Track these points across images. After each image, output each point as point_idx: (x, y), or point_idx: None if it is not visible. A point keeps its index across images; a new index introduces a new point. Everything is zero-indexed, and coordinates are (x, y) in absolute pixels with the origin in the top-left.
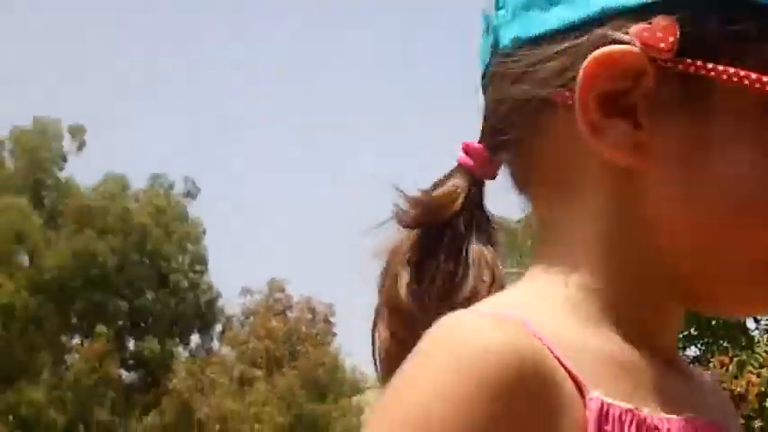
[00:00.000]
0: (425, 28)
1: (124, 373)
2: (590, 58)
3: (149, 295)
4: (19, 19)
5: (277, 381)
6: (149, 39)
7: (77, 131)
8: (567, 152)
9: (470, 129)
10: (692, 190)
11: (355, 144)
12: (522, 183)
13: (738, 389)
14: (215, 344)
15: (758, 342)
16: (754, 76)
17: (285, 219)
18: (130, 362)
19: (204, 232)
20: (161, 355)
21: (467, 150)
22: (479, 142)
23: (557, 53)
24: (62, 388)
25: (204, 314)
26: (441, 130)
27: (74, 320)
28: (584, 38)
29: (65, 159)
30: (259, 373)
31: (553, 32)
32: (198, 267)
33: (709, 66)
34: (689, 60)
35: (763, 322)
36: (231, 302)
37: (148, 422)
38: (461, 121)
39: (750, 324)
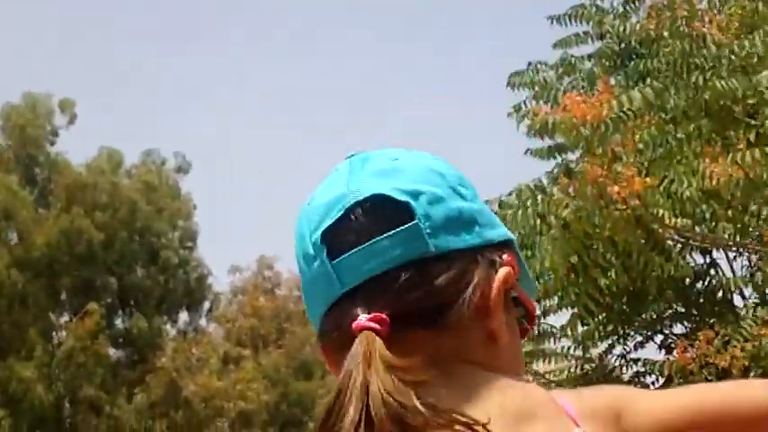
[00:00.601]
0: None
1: (112, 351)
2: (504, 272)
3: (139, 272)
4: None
5: (264, 359)
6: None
7: (67, 105)
8: (471, 331)
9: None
10: (510, 348)
11: (350, 124)
12: (435, 343)
13: (722, 363)
14: (203, 321)
15: (744, 317)
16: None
17: (276, 195)
18: (119, 339)
19: (195, 208)
20: (149, 332)
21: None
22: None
23: (473, 264)
24: (52, 365)
25: (193, 291)
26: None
27: (63, 297)
28: (481, 257)
29: (56, 134)
30: (246, 351)
31: (460, 250)
32: (188, 244)
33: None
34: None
35: (751, 299)
36: (220, 280)
37: (136, 400)
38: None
39: (737, 301)
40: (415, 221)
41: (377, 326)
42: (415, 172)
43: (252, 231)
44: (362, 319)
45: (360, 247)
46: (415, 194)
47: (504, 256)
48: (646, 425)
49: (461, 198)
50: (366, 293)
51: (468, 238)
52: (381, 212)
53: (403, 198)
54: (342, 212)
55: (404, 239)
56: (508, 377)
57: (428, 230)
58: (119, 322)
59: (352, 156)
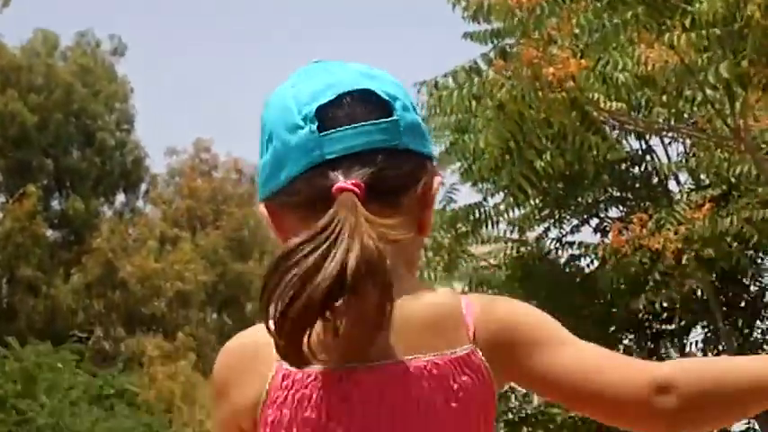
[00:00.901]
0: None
1: (49, 232)
2: (439, 180)
3: (75, 154)
4: None
5: (201, 240)
6: None
7: None
8: (412, 216)
9: None
10: (421, 246)
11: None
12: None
13: (656, 245)
14: (140, 203)
15: (678, 201)
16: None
17: (214, 78)
18: (56, 220)
19: (132, 91)
20: (86, 213)
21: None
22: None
23: (424, 167)
24: None
25: (130, 173)
26: None
27: None
28: (428, 164)
29: None
30: (183, 233)
31: (417, 153)
32: (125, 126)
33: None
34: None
35: (687, 185)
36: (157, 163)
37: (73, 280)
38: None
39: (672, 186)
40: (395, 117)
41: (356, 189)
42: (390, 83)
43: (189, 114)
44: (345, 182)
45: (348, 126)
46: (394, 98)
47: (439, 171)
48: (536, 374)
49: (418, 116)
50: (347, 164)
51: (423, 147)
52: (368, 103)
53: (386, 98)
54: (335, 96)
55: (384, 130)
56: (425, 287)
57: (401, 128)
58: (55, 204)
59: (319, 61)
